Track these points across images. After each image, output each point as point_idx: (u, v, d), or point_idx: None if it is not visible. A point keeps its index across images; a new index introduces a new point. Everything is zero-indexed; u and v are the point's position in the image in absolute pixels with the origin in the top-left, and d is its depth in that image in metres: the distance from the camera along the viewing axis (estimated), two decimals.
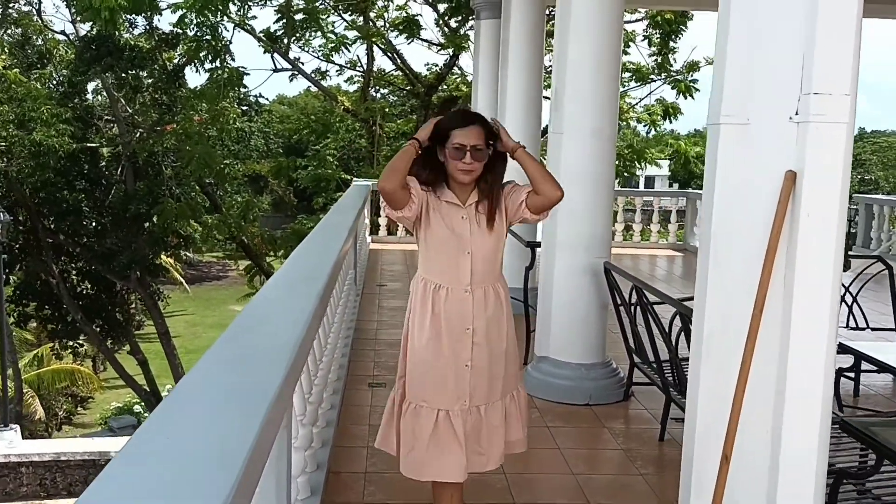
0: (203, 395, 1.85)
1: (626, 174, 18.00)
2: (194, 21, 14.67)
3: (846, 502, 2.96)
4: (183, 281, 28.48)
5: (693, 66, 16.04)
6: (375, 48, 16.45)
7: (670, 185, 41.18)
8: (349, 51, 16.16)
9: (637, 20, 15.89)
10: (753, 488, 2.44)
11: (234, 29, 15.51)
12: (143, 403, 19.63)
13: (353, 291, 6.74)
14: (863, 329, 5.57)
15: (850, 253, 11.57)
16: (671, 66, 16.17)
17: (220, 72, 15.23)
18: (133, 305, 22.60)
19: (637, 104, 18.03)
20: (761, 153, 2.40)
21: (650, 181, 40.89)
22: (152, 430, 1.55)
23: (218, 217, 17.81)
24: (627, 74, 17.06)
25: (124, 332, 20.80)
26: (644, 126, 18.31)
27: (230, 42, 15.39)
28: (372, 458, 3.88)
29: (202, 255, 31.87)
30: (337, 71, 17.41)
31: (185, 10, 14.38)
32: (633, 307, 4.52)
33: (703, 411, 2.54)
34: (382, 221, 11.85)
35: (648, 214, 13.42)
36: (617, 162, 16.87)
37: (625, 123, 17.56)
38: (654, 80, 16.84)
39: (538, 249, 5.61)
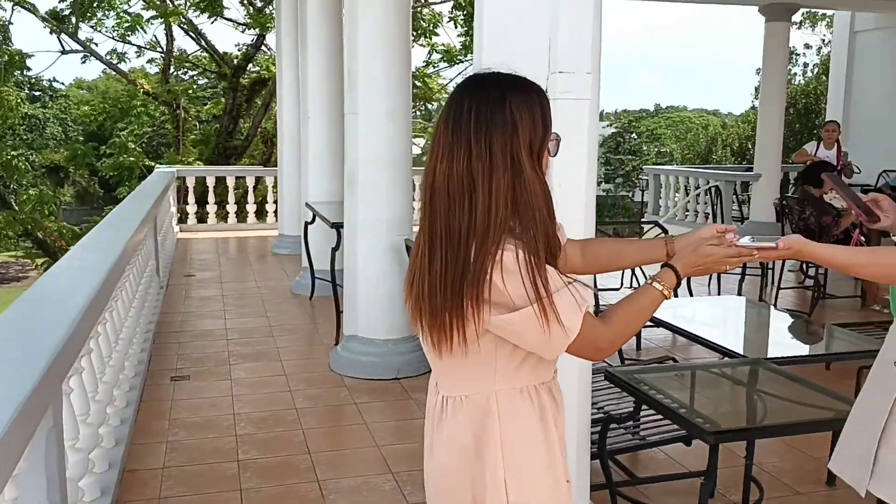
0: None
1: None
2: None
3: (619, 444, 3.26)
4: None
5: None
6: (176, 28, 15.69)
7: None
8: (146, 31, 15.31)
9: (442, 1, 16.25)
10: None
11: (12, 7, 14.21)
12: None
13: (154, 283, 6.46)
14: None
15: (641, 221, 12.51)
16: None
17: None
18: None
19: (448, 84, 18.45)
20: None
21: None
22: None
23: (8, 213, 16.35)
24: (437, 56, 17.42)
25: None
26: None
27: (10, 22, 14.09)
28: (172, 453, 3.78)
29: None
30: (136, 52, 16.46)
31: None
32: None
33: None
34: (191, 209, 11.40)
35: None
36: (427, 141, 17.26)
37: (436, 105, 17.91)
38: (463, 62, 17.29)
39: (342, 230, 5.65)
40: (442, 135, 1.51)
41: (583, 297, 1.52)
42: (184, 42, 22.08)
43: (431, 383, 1.77)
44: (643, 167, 20.05)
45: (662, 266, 1.69)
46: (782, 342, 4.41)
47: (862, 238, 6.70)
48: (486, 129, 1.48)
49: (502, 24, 2.53)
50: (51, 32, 14.77)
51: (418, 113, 18.89)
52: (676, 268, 1.65)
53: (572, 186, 2.53)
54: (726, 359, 3.77)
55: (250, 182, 11.83)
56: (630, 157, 31.31)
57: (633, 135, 37.54)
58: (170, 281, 7.82)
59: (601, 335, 1.56)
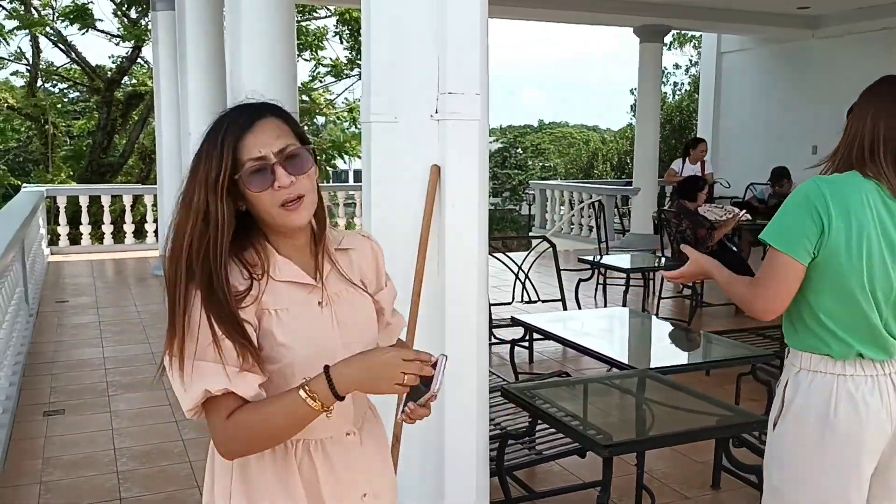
0: None
1: (327, 168, 18.21)
2: None
3: (516, 460, 3.28)
4: None
5: None
6: (43, 39, 14.86)
7: None
8: (9, 42, 14.42)
9: (327, 16, 16.12)
10: (425, 461, 2.60)
11: None
12: None
13: (23, 311, 6.04)
14: (535, 302, 6.18)
15: (529, 234, 12.78)
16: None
17: None
18: None
19: (335, 98, 18.33)
20: (409, 149, 2.56)
21: (359, 174, 41.93)
22: None
23: None
24: (324, 70, 17.27)
25: None
26: (346, 123, 18.67)
27: None
28: (46, 495, 3.52)
29: None
30: None
31: None
32: None
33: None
34: (63, 231, 10.77)
35: (353, 207, 13.76)
36: (320, 157, 17.11)
37: (328, 119, 17.76)
38: (350, 77, 17.23)
39: None
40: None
41: (227, 377, 1.35)
42: (52, 54, 20.92)
43: None
44: (529, 181, 20.53)
45: None
46: (665, 351, 4.58)
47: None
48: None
49: (390, 44, 2.52)
50: None
51: (306, 128, 18.63)
52: (330, 370, 1.36)
53: (465, 204, 2.54)
54: (615, 370, 3.87)
55: (127, 201, 11.30)
56: (516, 171, 32.08)
57: (519, 150, 38.48)
58: (40, 308, 7.33)
59: (216, 429, 1.38)
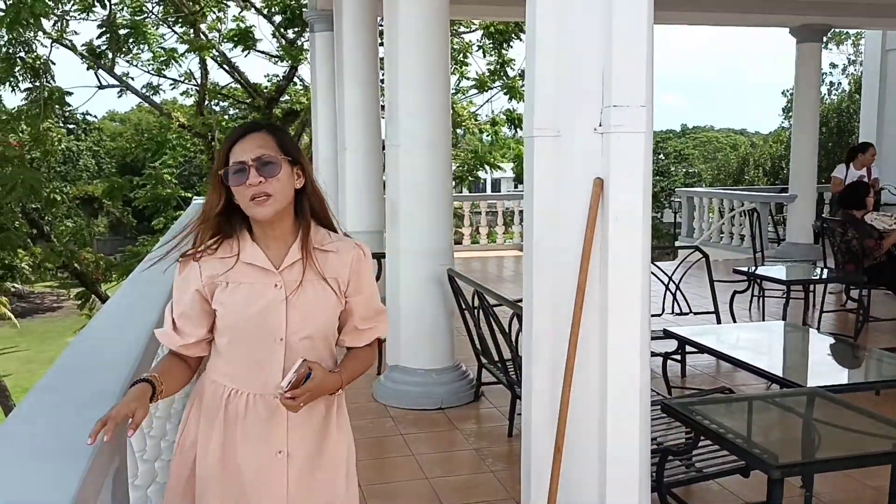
0: (23, 445, 1.77)
1: (470, 179, 18.46)
2: (4, 38, 13.66)
3: (675, 476, 3.22)
4: (11, 315, 26.35)
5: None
6: (210, 61, 16.00)
7: (515, 187, 42.64)
8: (180, 64, 15.63)
9: (471, 31, 16.39)
10: (586, 474, 2.61)
11: (51, 45, 14.58)
12: None
13: None
14: (686, 314, 6.02)
15: (676, 244, 12.41)
16: (507, 74, 16.78)
17: (38, 91, 14.27)
18: None
19: (478, 110, 18.56)
20: (572, 162, 2.58)
21: (496, 184, 42.14)
22: None
23: (47, 245, 16.66)
24: (468, 83, 17.54)
25: None
26: (487, 136, 18.87)
27: (49, 59, 14.45)
28: None
29: (32, 287, 29.65)
30: (171, 85, 16.80)
31: None
32: (476, 310, 4.68)
33: (536, 406, 2.69)
34: None
35: (494, 216, 13.91)
36: (462, 167, 17.35)
37: (468, 131, 18.03)
38: (492, 89, 17.41)
39: (384, 260, 5.68)
40: None
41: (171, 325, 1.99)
42: (217, 74, 22.41)
43: None
44: (674, 188, 19.92)
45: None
46: (830, 368, 4.35)
47: None
48: None
49: (556, 59, 2.56)
50: (88, 68, 15.13)
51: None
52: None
53: (629, 218, 2.54)
54: (779, 388, 3.73)
55: None
56: (658, 177, 31.25)
57: (661, 155, 37.42)
58: None
59: None
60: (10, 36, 13.69)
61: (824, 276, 7.04)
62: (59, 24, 14.28)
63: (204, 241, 1.94)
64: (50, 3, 13.10)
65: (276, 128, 2.00)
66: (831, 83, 26.05)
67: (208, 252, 1.94)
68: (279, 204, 1.88)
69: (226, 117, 19.43)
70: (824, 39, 11.62)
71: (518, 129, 18.19)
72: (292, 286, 1.91)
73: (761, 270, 7.09)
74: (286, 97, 17.40)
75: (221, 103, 19.84)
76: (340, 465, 2.05)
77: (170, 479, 2.11)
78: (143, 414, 1.75)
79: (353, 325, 2.05)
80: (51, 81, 14.46)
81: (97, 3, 14.41)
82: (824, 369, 4.26)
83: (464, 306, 4.93)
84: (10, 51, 14.12)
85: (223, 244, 1.94)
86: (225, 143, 1.94)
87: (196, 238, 1.95)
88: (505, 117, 17.77)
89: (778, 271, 7.18)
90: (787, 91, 27.52)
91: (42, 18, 13.06)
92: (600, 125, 2.51)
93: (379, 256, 5.84)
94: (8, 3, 13.42)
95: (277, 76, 17.23)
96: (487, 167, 18.16)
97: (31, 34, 13.92)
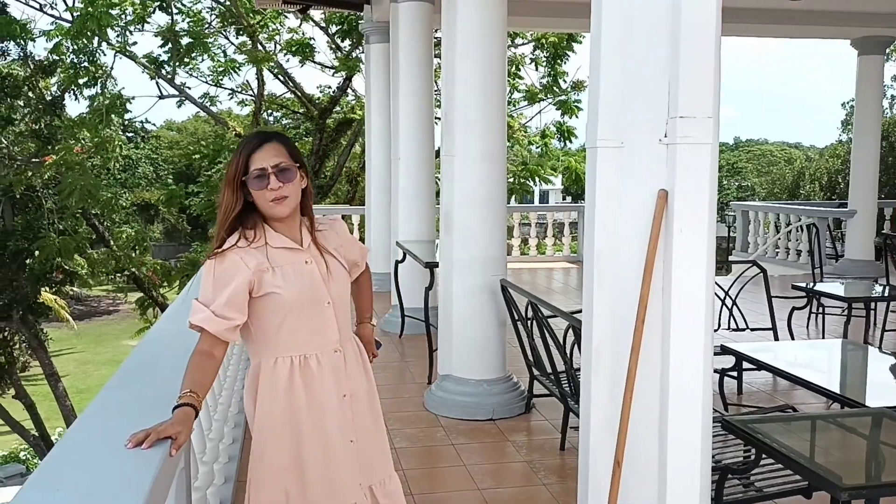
0: (95, 444, 1.82)
1: (521, 191, 18.41)
2: (70, 48, 14.12)
3: (733, 495, 3.15)
4: (69, 317, 27.11)
5: (578, 86, 16.61)
6: (266, 72, 16.29)
7: (563, 199, 42.43)
8: (238, 74, 15.95)
9: (524, 43, 16.37)
10: (645, 490, 2.58)
11: (114, 55, 15.03)
12: (31, 449, 18.50)
13: None
14: (743, 330, 5.90)
15: (730, 258, 12.19)
16: (559, 86, 16.71)
17: (100, 98, 14.71)
18: (17, 347, 21.32)
19: (528, 122, 18.53)
20: (635, 174, 2.56)
21: (545, 196, 42.01)
22: (43, 484, 1.53)
23: (106, 251, 17.12)
24: (519, 95, 17.52)
25: (8, 376, 19.59)
26: (537, 147, 18.81)
27: (111, 68, 14.91)
28: None
29: (90, 290, 30.48)
30: (228, 95, 17.15)
31: (60, 38, 13.82)
32: (529, 321, 4.66)
33: (595, 420, 2.67)
34: None
35: (543, 228, 13.85)
36: (512, 179, 17.31)
37: (518, 143, 17.99)
38: (543, 101, 17.36)
39: (436, 270, 5.70)
40: None
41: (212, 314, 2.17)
42: (272, 84, 22.79)
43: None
44: (729, 202, 19.58)
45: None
46: (892, 388, 4.21)
47: None
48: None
49: (621, 70, 2.55)
50: (150, 78, 15.54)
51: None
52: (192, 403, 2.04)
53: (693, 231, 2.50)
54: (839, 407, 3.62)
55: None
56: None
57: None
58: None
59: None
60: (76, 46, 14.15)
61: (886, 293, 6.84)
62: (121, 34, 14.73)
63: (225, 239, 2.22)
64: (114, 14, 13.53)
65: (284, 137, 2.37)
66: (892, 96, 25.35)
67: (239, 245, 2.22)
68: (294, 203, 2.27)
69: (280, 126, 19.76)
70: (887, 52, 11.33)
71: (567, 142, 18.09)
72: (317, 260, 2.31)
73: (821, 287, 6.91)
74: (338, 108, 17.61)
75: (275, 113, 20.17)
76: (377, 399, 2.55)
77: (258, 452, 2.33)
78: (185, 438, 1.92)
79: (354, 261, 2.53)
80: (112, 90, 14.91)
81: (158, 11, 14.84)
82: (886, 389, 4.14)
83: (516, 317, 4.91)
84: (76, 60, 14.60)
85: (244, 236, 2.24)
86: (242, 151, 2.23)
87: (217, 237, 2.25)
88: (555, 128, 17.70)
89: (838, 288, 6.99)
90: (847, 103, 26.86)
91: (108, 29, 13.49)
92: (665, 136, 2.49)
93: (432, 266, 5.87)
94: (75, 14, 13.89)
95: (330, 87, 17.47)
96: (537, 179, 18.09)
97: (95, 44, 14.38)
